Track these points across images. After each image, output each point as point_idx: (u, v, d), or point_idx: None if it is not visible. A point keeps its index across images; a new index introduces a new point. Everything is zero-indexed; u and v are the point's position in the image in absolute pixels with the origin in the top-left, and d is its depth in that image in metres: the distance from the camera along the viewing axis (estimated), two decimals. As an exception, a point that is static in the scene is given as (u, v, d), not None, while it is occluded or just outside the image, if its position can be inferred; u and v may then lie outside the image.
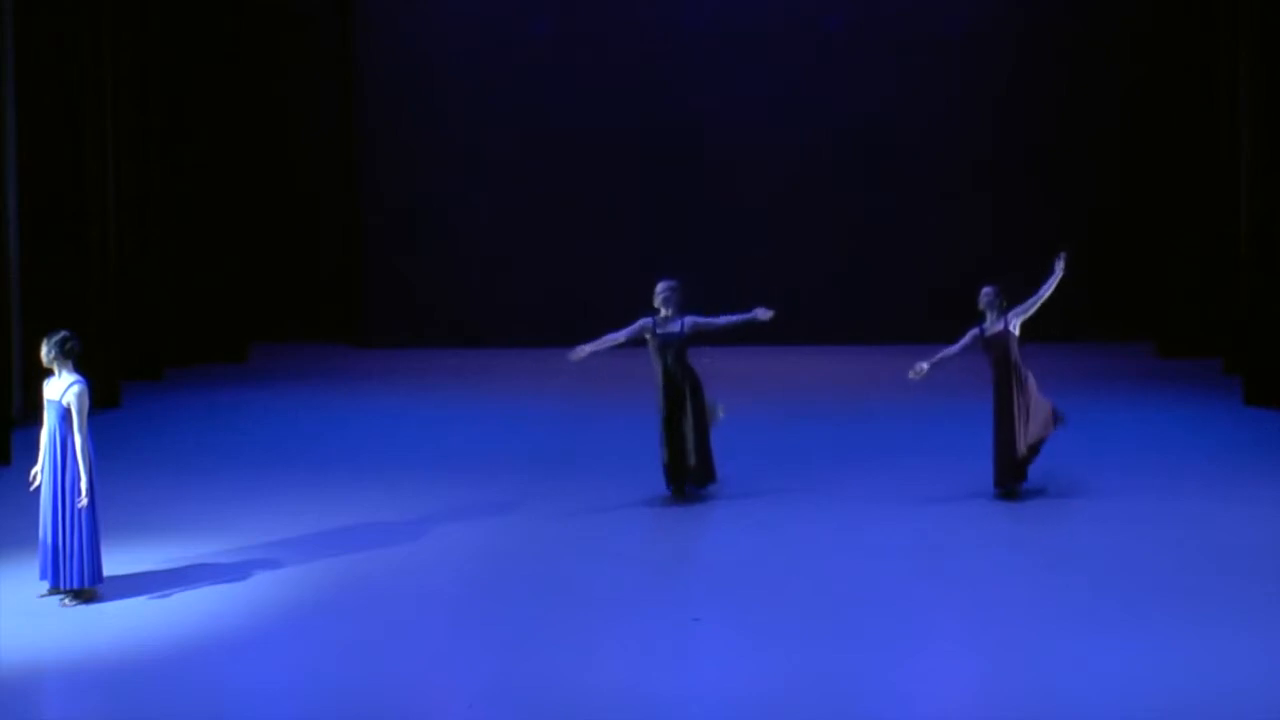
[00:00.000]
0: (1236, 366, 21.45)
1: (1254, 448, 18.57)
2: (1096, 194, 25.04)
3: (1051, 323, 24.96)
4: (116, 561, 14.08)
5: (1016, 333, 16.24)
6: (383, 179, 25.17)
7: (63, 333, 13.63)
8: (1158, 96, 24.01)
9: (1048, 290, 16.33)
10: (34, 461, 13.69)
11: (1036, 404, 16.28)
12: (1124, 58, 24.79)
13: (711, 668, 12.45)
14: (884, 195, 25.07)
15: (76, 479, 13.38)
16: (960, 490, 16.41)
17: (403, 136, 25.13)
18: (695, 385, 16.39)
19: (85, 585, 13.52)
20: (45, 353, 13.57)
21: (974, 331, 16.35)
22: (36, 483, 13.62)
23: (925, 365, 16.33)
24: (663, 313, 16.30)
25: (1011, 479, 16.35)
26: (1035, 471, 16.48)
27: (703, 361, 16.68)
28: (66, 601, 13.54)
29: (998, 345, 16.29)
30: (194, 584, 14.03)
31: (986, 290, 16.33)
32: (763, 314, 16.48)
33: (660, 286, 16.32)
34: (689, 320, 16.33)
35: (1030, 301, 16.29)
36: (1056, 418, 16.42)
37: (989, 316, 16.28)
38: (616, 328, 16.47)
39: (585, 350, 16.31)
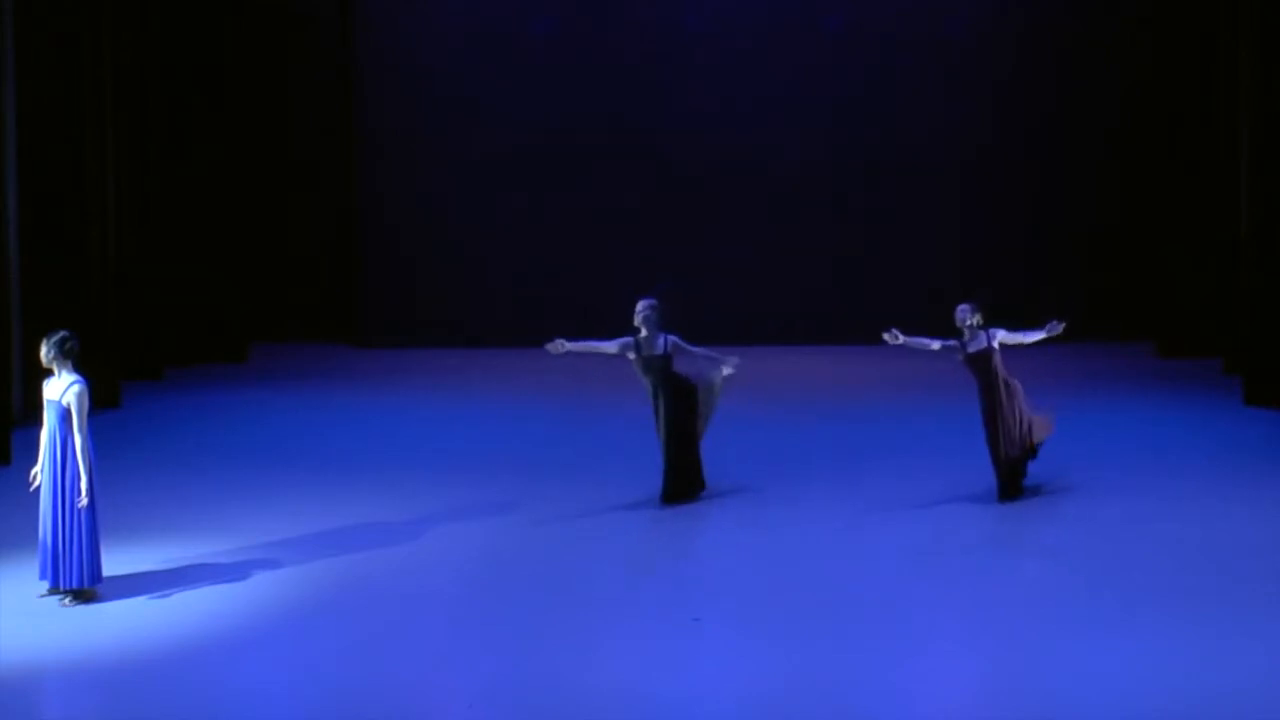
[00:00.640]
0: (1236, 366, 21.44)
1: (1254, 448, 18.57)
2: (1096, 194, 25.02)
3: (1052, 323, 25.21)
4: (116, 561, 14.08)
5: (998, 349, 16.03)
6: (382, 179, 25.16)
7: (63, 333, 13.63)
8: (1158, 96, 24.00)
9: (1034, 339, 16.16)
10: (34, 461, 13.69)
11: (1028, 411, 16.19)
12: (1124, 58, 24.78)
13: (711, 668, 12.45)
14: (884, 195, 25.05)
15: (76, 479, 13.39)
16: (960, 490, 16.41)
17: (403, 136, 25.12)
18: (682, 398, 16.23)
19: (85, 585, 13.52)
20: (45, 353, 13.57)
21: (953, 343, 16.16)
22: (36, 483, 13.62)
23: (901, 337, 16.19)
24: (643, 332, 16.13)
25: (1013, 489, 16.27)
26: (1035, 471, 16.47)
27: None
28: (66, 601, 13.54)
29: (981, 362, 16.08)
30: (194, 584, 14.03)
31: (962, 308, 16.06)
32: (728, 368, 16.30)
33: (640, 306, 16.12)
34: (670, 339, 16.13)
35: (1019, 335, 16.08)
36: (1048, 426, 16.41)
37: (967, 334, 16.05)
38: (616, 329, 16.45)
39: (565, 346, 16.17)
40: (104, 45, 20.90)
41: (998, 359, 16.06)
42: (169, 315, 23.17)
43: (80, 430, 13.37)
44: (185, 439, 19.52)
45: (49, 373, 13.62)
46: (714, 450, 16.57)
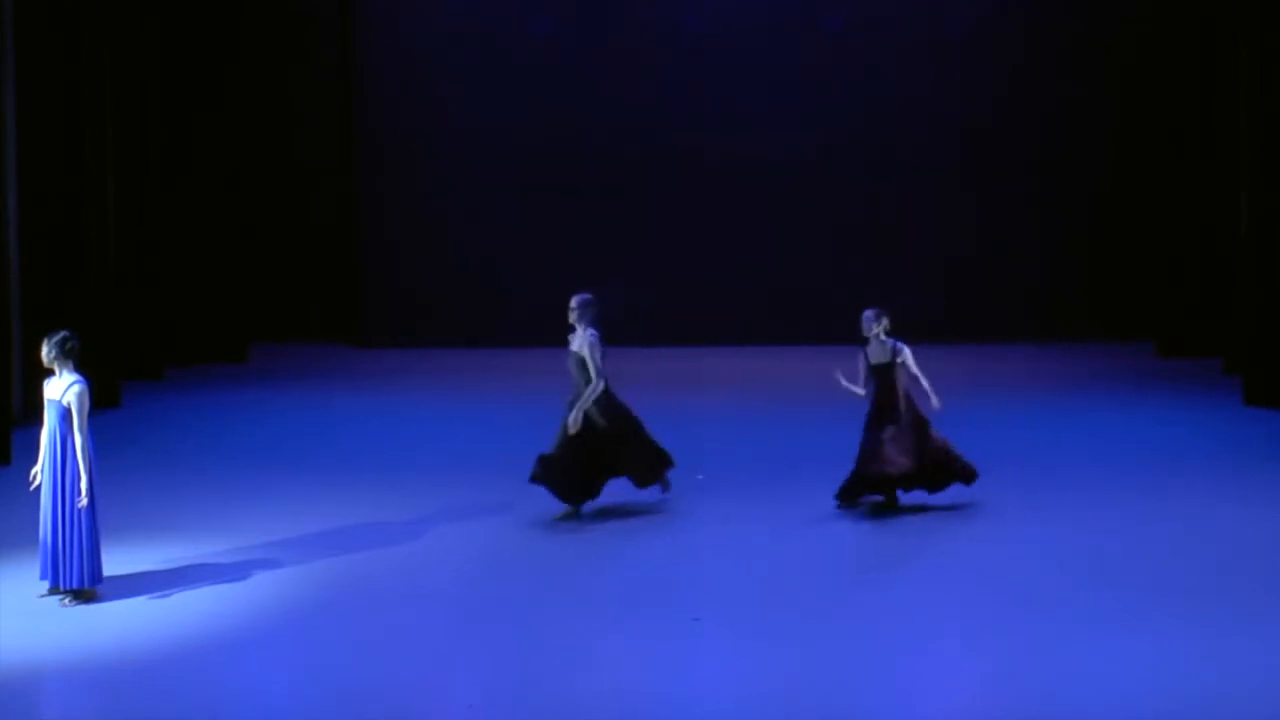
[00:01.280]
0: (1236, 366, 21.44)
1: (1254, 448, 18.56)
2: (1096, 194, 25.03)
3: (1052, 323, 25.25)
4: (116, 561, 14.08)
5: (901, 365, 15.58)
6: (382, 179, 25.16)
7: (63, 333, 13.63)
8: (1158, 96, 24.00)
9: (924, 384, 15.57)
10: (34, 461, 13.69)
11: (940, 443, 15.76)
12: (1124, 58, 24.78)
13: (711, 668, 12.45)
14: (884, 195, 25.05)
15: (76, 479, 13.38)
16: (960, 490, 16.39)
17: (403, 137, 25.12)
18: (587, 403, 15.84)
19: (85, 585, 13.52)
20: (45, 353, 13.57)
21: (860, 355, 15.81)
22: (36, 482, 13.62)
23: (844, 381, 15.79)
24: (576, 329, 15.87)
25: (848, 497, 15.86)
26: (1035, 471, 16.46)
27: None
28: (66, 601, 13.54)
29: (882, 374, 15.66)
30: (194, 584, 14.03)
31: (867, 314, 15.67)
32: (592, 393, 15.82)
33: (572, 302, 15.80)
34: (589, 335, 15.72)
35: (916, 371, 15.57)
36: (963, 471, 15.89)
37: (871, 342, 15.67)
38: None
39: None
40: (104, 45, 20.91)
41: (901, 375, 15.62)
42: (169, 315, 23.18)
43: (80, 430, 13.37)
44: (185, 439, 19.52)
45: (49, 372, 13.62)
46: (716, 450, 16.57)
